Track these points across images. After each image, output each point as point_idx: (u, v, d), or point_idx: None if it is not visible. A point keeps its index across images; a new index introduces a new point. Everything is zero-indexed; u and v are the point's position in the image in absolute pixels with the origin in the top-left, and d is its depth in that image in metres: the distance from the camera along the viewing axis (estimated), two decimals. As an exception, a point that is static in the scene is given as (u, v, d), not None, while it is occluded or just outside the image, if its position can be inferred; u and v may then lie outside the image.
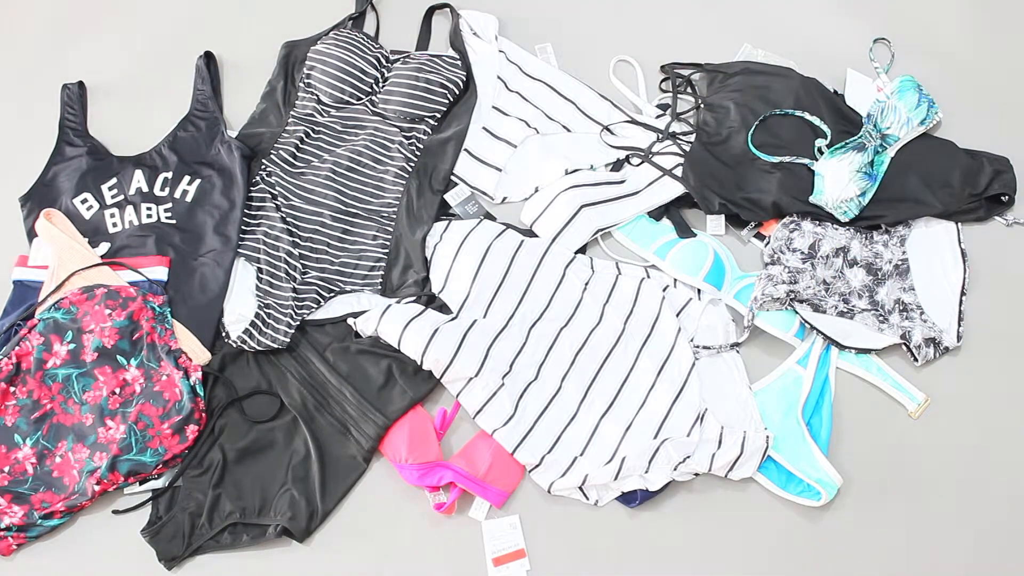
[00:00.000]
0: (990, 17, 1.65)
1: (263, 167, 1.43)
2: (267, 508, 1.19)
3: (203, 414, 1.23)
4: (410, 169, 1.43)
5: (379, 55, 1.50)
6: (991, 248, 1.40)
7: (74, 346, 1.24)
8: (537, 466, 1.21)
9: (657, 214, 1.41)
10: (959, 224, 1.40)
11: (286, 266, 1.33)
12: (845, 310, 1.32)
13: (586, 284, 1.34)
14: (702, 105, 1.47)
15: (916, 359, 1.29)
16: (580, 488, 1.21)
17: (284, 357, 1.28)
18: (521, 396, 1.24)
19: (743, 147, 1.41)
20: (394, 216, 1.39)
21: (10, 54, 1.60)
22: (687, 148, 1.43)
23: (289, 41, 1.55)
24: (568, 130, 1.49)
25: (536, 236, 1.38)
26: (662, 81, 1.55)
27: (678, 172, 1.41)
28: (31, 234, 1.36)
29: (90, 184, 1.40)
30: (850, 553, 1.19)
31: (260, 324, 1.28)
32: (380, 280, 1.34)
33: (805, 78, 1.47)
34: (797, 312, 1.30)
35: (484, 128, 1.49)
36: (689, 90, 1.52)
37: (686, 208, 1.43)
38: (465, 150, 1.46)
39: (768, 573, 1.18)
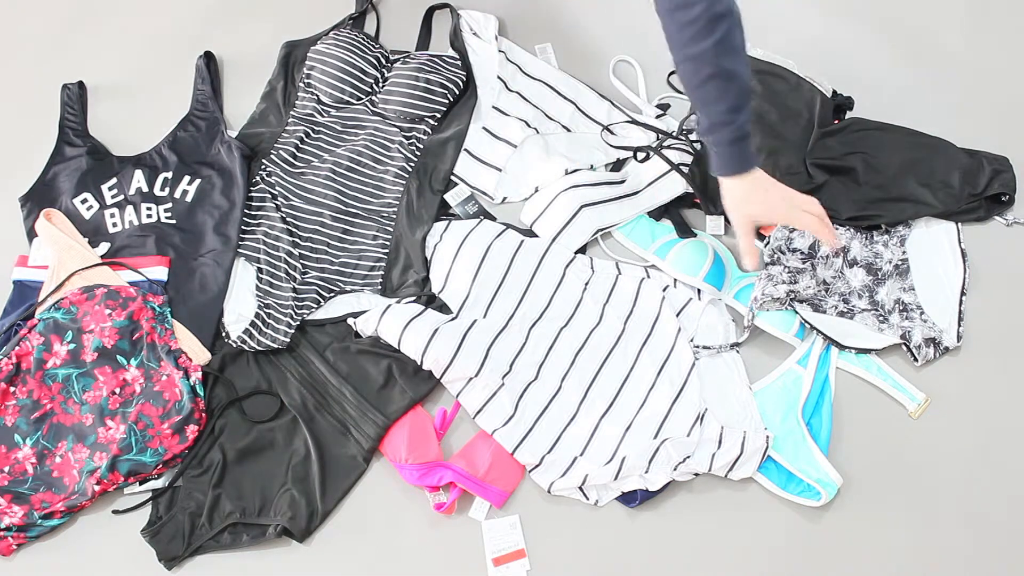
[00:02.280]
0: (989, 17, 1.65)
1: (263, 167, 1.43)
2: (267, 508, 1.19)
3: (203, 414, 1.23)
4: (410, 169, 1.43)
5: (379, 55, 1.50)
6: (991, 248, 1.40)
7: (74, 346, 1.24)
8: (537, 466, 1.21)
9: (657, 214, 1.41)
10: (959, 224, 1.40)
11: (286, 266, 1.33)
12: (845, 310, 1.32)
13: (586, 284, 1.34)
14: None
15: (916, 359, 1.29)
16: (580, 488, 1.21)
17: (284, 357, 1.28)
18: (521, 396, 1.24)
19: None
20: (394, 216, 1.39)
21: (10, 54, 1.60)
22: (697, 147, 1.43)
23: (289, 41, 1.55)
24: (568, 130, 1.50)
25: (536, 236, 1.38)
26: (671, 73, 1.55)
27: (685, 169, 1.41)
28: (31, 234, 1.37)
29: (90, 184, 1.40)
30: (850, 553, 1.19)
31: (260, 324, 1.28)
32: (380, 280, 1.34)
33: (821, 93, 1.47)
34: (797, 312, 1.30)
35: (484, 128, 1.49)
36: None
37: (686, 208, 1.43)
38: (465, 150, 1.46)
39: (768, 573, 1.18)
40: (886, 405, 1.29)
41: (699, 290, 1.34)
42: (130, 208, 1.38)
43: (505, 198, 1.44)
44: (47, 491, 1.19)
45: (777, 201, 1.23)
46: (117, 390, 1.23)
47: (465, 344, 1.23)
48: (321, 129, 1.47)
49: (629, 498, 1.20)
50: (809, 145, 1.42)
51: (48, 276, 1.31)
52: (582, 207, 1.36)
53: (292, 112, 1.48)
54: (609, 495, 1.21)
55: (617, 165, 1.45)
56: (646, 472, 1.19)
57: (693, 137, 1.46)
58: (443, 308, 1.30)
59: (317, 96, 1.48)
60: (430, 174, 1.43)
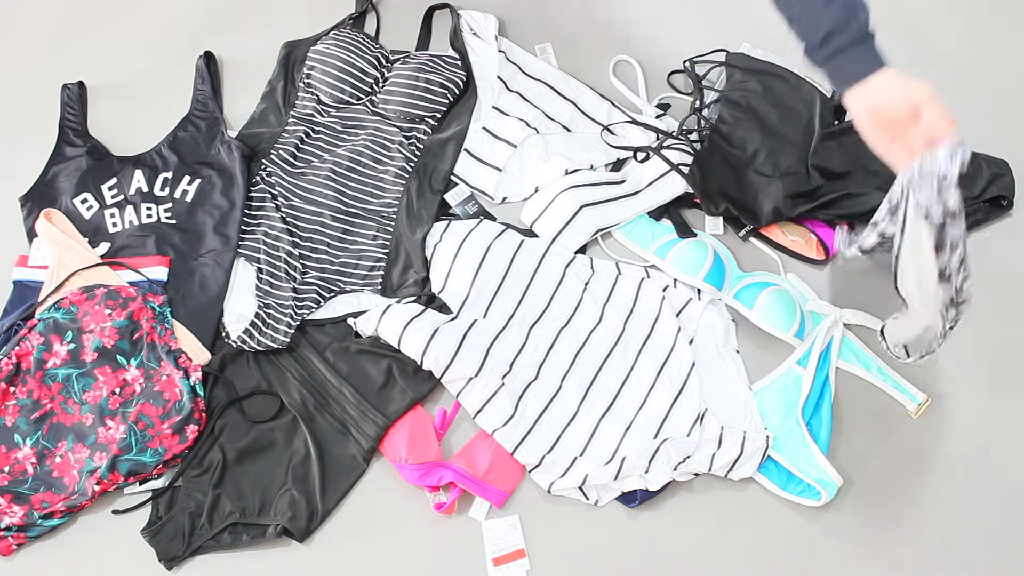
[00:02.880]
0: (990, 17, 1.65)
1: (263, 167, 1.43)
2: (267, 508, 1.19)
3: (203, 414, 1.23)
4: (410, 169, 1.43)
5: (379, 55, 1.50)
6: (991, 248, 1.40)
7: (74, 346, 1.24)
8: (537, 466, 1.21)
9: (657, 214, 1.41)
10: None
11: (286, 266, 1.33)
12: None
13: (586, 284, 1.34)
14: (721, 100, 1.47)
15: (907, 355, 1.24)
16: (580, 488, 1.21)
17: (284, 357, 1.28)
18: (521, 396, 1.24)
19: (752, 151, 1.41)
20: (394, 216, 1.39)
21: (10, 54, 1.60)
22: (697, 147, 1.43)
23: (289, 41, 1.55)
24: (568, 130, 1.50)
25: (536, 236, 1.38)
26: (671, 74, 1.55)
27: (685, 169, 1.41)
28: (31, 234, 1.36)
29: (90, 184, 1.40)
30: (850, 553, 1.19)
31: (260, 324, 1.28)
32: (380, 280, 1.34)
33: (820, 93, 1.47)
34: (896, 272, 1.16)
35: (484, 128, 1.49)
36: (705, 85, 1.52)
37: (686, 208, 1.43)
38: (465, 150, 1.46)
39: (768, 573, 1.18)
40: (886, 405, 1.29)
41: (699, 290, 1.34)
42: (130, 208, 1.38)
43: (505, 198, 1.44)
44: (47, 491, 1.19)
45: (912, 92, 1.01)
46: (117, 390, 1.23)
47: (465, 344, 1.23)
48: (321, 129, 1.47)
49: (629, 498, 1.20)
50: (812, 146, 1.42)
51: (48, 276, 1.31)
52: (582, 207, 1.36)
53: (292, 112, 1.48)
54: (609, 495, 1.21)
55: (617, 165, 1.45)
56: (646, 472, 1.19)
57: (693, 137, 1.46)
58: (443, 308, 1.30)
59: (317, 96, 1.48)
60: (430, 174, 1.43)
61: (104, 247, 1.35)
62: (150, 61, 1.58)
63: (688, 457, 1.19)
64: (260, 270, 1.34)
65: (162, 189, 1.40)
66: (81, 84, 1.53)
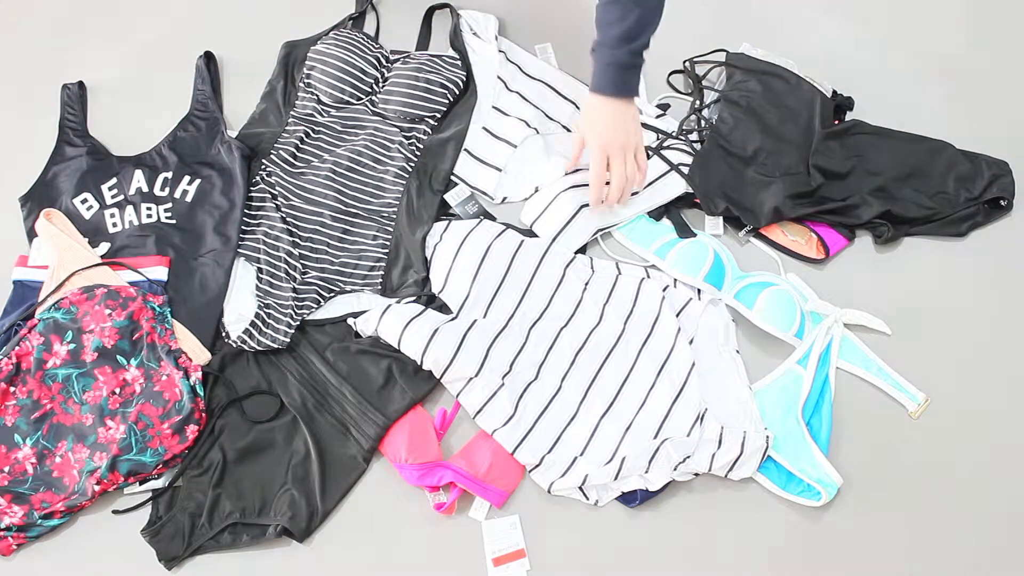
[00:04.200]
0: (989, 17, 1.65)
1: (263, 167, 1.43)
2: (267, 508, 1.19)
3: (203, 414, 1.23)
4: (410, 169, 1.43)
5: (379, 55, 1.50)
6: (990, 248, 1.40)
7: (74, 346, 1.24)
8: (537, 466, 1.21)
9: (657, 214, 1.41)
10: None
11: (286, 266, 1.33)
12: None
13: (586, 284, 1.34)
14: (721, 100, 1.47)
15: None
16: (580, 488, 1.21)
17: (284, 357, 1.28)
18: (521, 396, 1.24)
19: (752, 151, 1.41)
20: (394, 216, 1.39)
21: (10, 54, 1.60)
22: (697, 147, 1.43)
23: (289, 41, 1.55)
24: (568, 130, 1.50)
25: (536, 236, 1.38)
26: (671, 74, 1.55)
27: (685, 169, 1.41)
28: (31, 234, 1.37)
29: (90, 184, 1.40)
30: (850, 553, 1.19)
31: (260, 324, 1.28)
32: (380, 280, 1.34)
33: (820, 93, 1.47)
34: None
35: (484, 128, 1.49)
36: (704, 85, 1.52)
37: (686, 208, 1.43)
38: (465, 150, 1.46)
39: (768, 573, 1.18)
40: (886, 405, 1.29)
41: (699, 290, 1.34)
42: (130, 208, 1.38)
43: (505, 198, 1.44)
44: (47, 491, 1.19)
45: (630, 137, 1.31)
46: (117, 390, 1.23)
47: (465, 344, 1.23)
48: (321, 129, 1.47)
49: (629, 498, 1.20)
50: (813, 146, 1.42)
51: (48, 276, 1.31)
52: (582, 207, 1.36)
53: (292, 112, 1.48)
54: (609, 495, 1.21)
55: (617, 165, 1.45)
56: (646, 472, 1.19)
57: (693, 137, 1.46)
58: (443, 308, 1.30)
59: (317, 96, 1.48)
60: (430, 174, 1.43)
61: (104, 247, 1.35)
62: (150, 61, 1.58)
63: (688, 457, 1.18)
64: (260, 270, 1.34)
65: (162, 189, 1.40)
66: (81, 84, 1.53)
